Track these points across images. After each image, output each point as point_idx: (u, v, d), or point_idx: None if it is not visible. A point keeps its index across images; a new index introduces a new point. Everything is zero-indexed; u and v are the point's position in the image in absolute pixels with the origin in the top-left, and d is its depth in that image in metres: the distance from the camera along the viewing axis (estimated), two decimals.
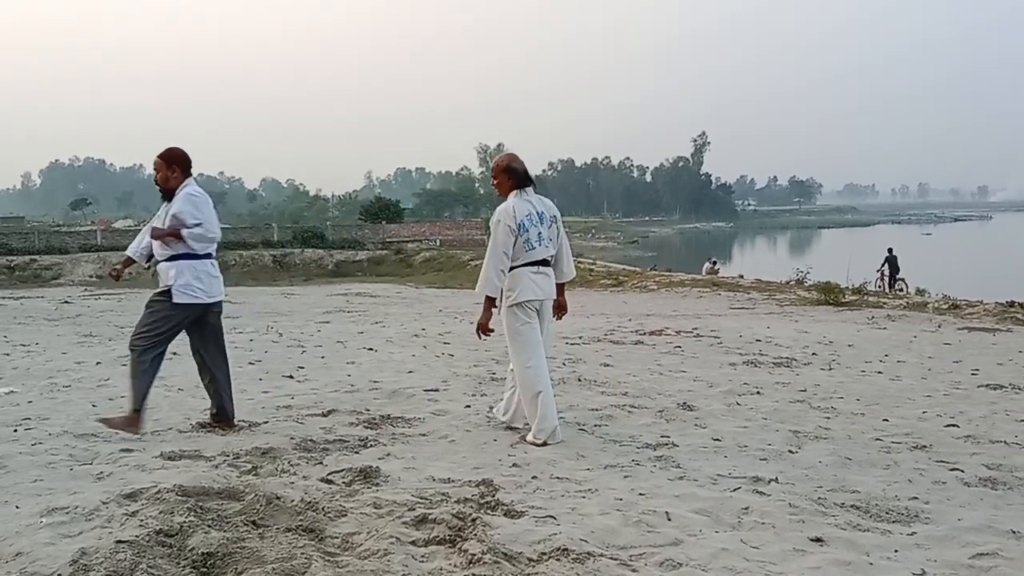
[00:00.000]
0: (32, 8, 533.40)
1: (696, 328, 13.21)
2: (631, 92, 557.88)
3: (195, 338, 6.13)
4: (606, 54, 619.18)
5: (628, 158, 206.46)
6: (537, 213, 5.75)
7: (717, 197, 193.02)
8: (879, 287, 27.06)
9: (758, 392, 7.63)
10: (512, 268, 5.70)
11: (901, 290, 26.93)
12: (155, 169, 6.01)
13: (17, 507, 4.17)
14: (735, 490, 4.60)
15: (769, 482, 4.76)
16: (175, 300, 5.83)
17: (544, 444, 5.57)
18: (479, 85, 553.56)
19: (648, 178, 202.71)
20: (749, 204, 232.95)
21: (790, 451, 5.54)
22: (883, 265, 28.94)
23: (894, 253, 29.13)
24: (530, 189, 5.87)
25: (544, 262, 5.80)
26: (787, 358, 9.80)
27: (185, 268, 5.87)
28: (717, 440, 5.82)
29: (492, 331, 5.71)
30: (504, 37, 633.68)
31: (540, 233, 5.74)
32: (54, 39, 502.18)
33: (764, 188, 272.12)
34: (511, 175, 5.86)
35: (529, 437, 5.66)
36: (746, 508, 4.26)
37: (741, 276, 30.57)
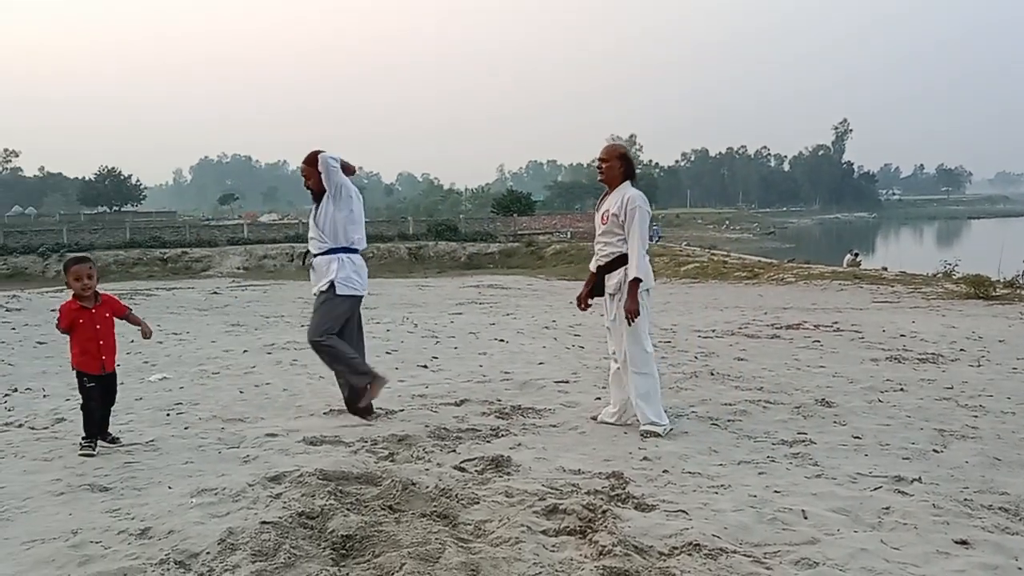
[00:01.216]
0: (192, 24, 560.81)
1: (836, 322, 12.79)
2: (770, 80, 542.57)
3: (343, 329, 6.32)
4: (741, 28, 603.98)
5: (765, 147, 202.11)
6: None
7: (859, 186, 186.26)
8: None
9: (902, 389, 7.33)
10: None
11: None
12: (305, 175, 6.27)
13: (170, 487, 4.43)
14: (876, 489, 4.45)
15: (912, 482, 4.58)
16: (338, 292, 6.11)
17: (667, 426, 5.70)
18: (610, 75, 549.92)
19: (786, 167, 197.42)
20: (893, 193, 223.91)
21: (935, 450, 5.32)
22: None
23: None
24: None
25: None
26: (933, 354, 9.38)
27: (345, 260, 6.15)
28: (857, 438, 5.64)
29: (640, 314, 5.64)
30: (633, 24, 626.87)
31: None
32: (205, 49, 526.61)
33: (910, 177, 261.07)
34: (625, 163, 5.87)
35: (649, 427, 5.65)
36: (887, 508, 4.12)
37: (884, 268, 29.48)
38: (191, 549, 3.47)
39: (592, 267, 6.06)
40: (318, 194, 6.23)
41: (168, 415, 6.41)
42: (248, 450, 5.24)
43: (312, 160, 6.19)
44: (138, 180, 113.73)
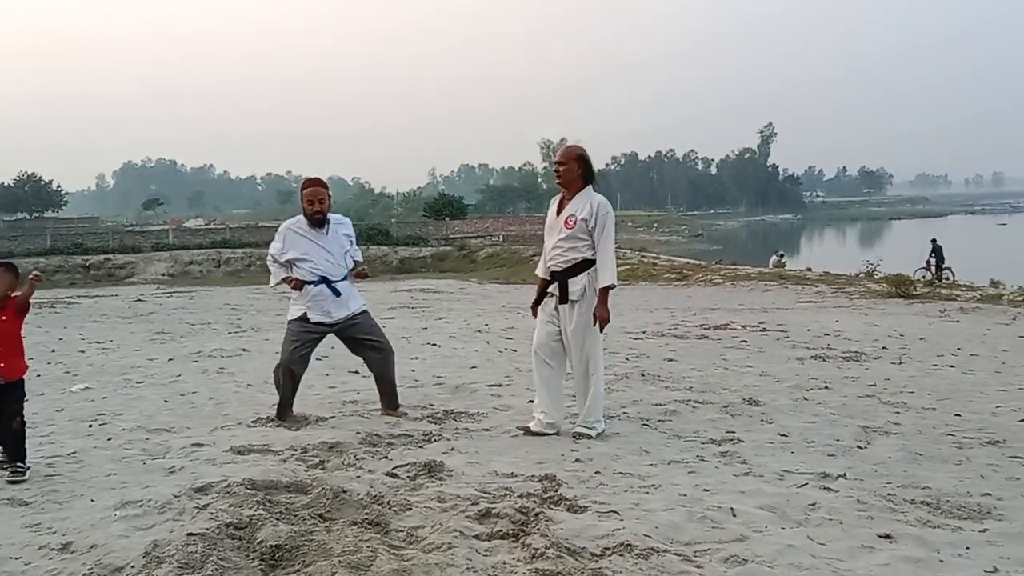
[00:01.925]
0: (104, 21, 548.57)
1: (762, 322, 13.04)
2: (696, 84, 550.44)
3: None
4: (670, 45, 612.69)
5: (693, 150, 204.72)
6: None
7: (784, 189, 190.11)
8: (925, 277, 27.15)
9: (826, 387, 7.50)
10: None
11: (947, 279, 27.28)
12: (319, 200, 6.29)
13: (92, 500, 4.31)
14: (802, 486, 4.54)
15: (837, 478, 4.68)
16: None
17: (602, 430, 5.71)
18: (541, 80, 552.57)
19: (713, 170, 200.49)
20: (817, 195, 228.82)
21: (859, 447, 5.45)
22: (931, 255, 29.28)
23: (939, 243, 29.66)
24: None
25: None
26: (856, 352, 9.62)
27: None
28: (784, 435, 5.74)
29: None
30: (565, 32, 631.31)
31: None
32: (128, 50, 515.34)
33: (833, 179, 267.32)
34: (584, 165, 5.70)
35: (584, 429, 5.66)
36: (813, 504, 4.20)
37: (809, 269, 30.20)
38: (115, 563, 3.38)
39: (541, 272, 5.92)
40: (323, 219, 6.32)
41: (91, 426, 6.25)
42: (174, 460, 5.13)
43: (324, 184, 6.41)
44: (59, 186, 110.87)
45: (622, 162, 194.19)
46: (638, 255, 39.72)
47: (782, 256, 34.98)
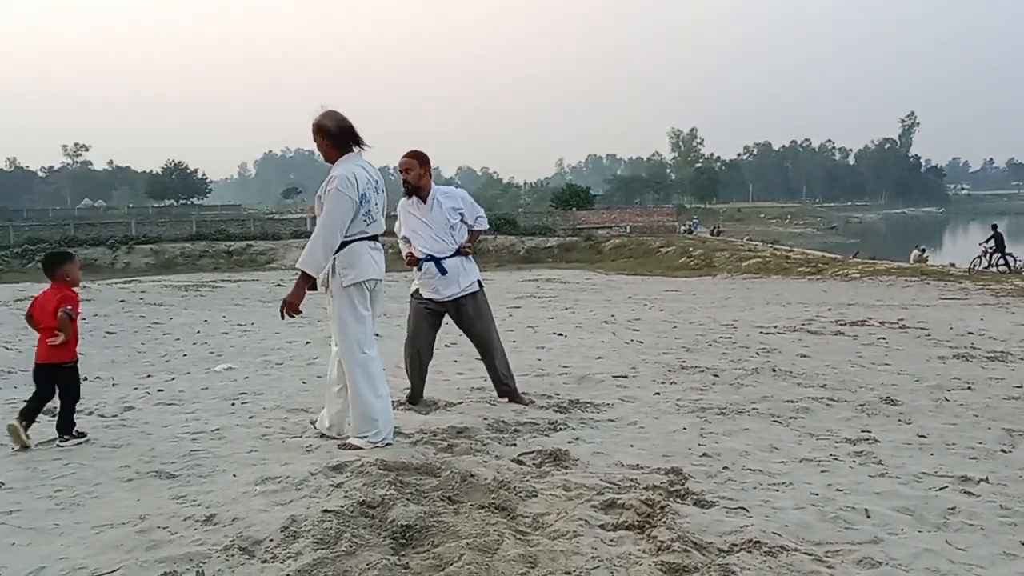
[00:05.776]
0: (254, 19, 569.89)
1: (902, 319, 12.56)
2: (835, 72, 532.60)
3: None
4: (810, 32, 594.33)
5: (830, 140, 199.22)
6: (375, 181, 5.08)
7: (927, 181, 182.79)
8: (981, 265, 27.26)
9: (969, 387, 7.17)
10: (348, 242, 4.96)
11: (1007, 265, 26.80)
12: (406, 170, 6.10)
13: (234, 475, 4.52)
14: (941, 489, 4.37)
15: (979, 482, 4.48)
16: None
17: (370, 446, 5.00)
18: (671, 68, 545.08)
19: (851, 161, 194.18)
20: (962, 188, 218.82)
21: (1003, 450, 5.19)
22: (987, 241, 28.30)
23: (999, 230, 28.66)
24: (358, 151, 5.06)
25: (377, 237, 5.16)
26: (1002, 352, 9.16)
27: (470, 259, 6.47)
28: (923, 437, 5.53)
29: (301, 312, 5.00)
30: (694, 25, 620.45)
31: (378, 204, 5.10)
32: (276, 46, 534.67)
33: (979, 171, 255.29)
34: (326, 134, 4.96)
35: (352, 440, 5.09)
36: (952, 508, 4.04)
37: (952, 265, 28.95)
38: (255, 536, 3.53)
39: None
40: (412, 190, 6.16)
41: (233, 404, 6.54)
42: (311, 440, 5.32)
43: (416, 154, 6.12)
44: (204, 174, 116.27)
45: (755, 152, 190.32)
46: (770, 248, 38.84)
47: (924, 251, 33.67)
